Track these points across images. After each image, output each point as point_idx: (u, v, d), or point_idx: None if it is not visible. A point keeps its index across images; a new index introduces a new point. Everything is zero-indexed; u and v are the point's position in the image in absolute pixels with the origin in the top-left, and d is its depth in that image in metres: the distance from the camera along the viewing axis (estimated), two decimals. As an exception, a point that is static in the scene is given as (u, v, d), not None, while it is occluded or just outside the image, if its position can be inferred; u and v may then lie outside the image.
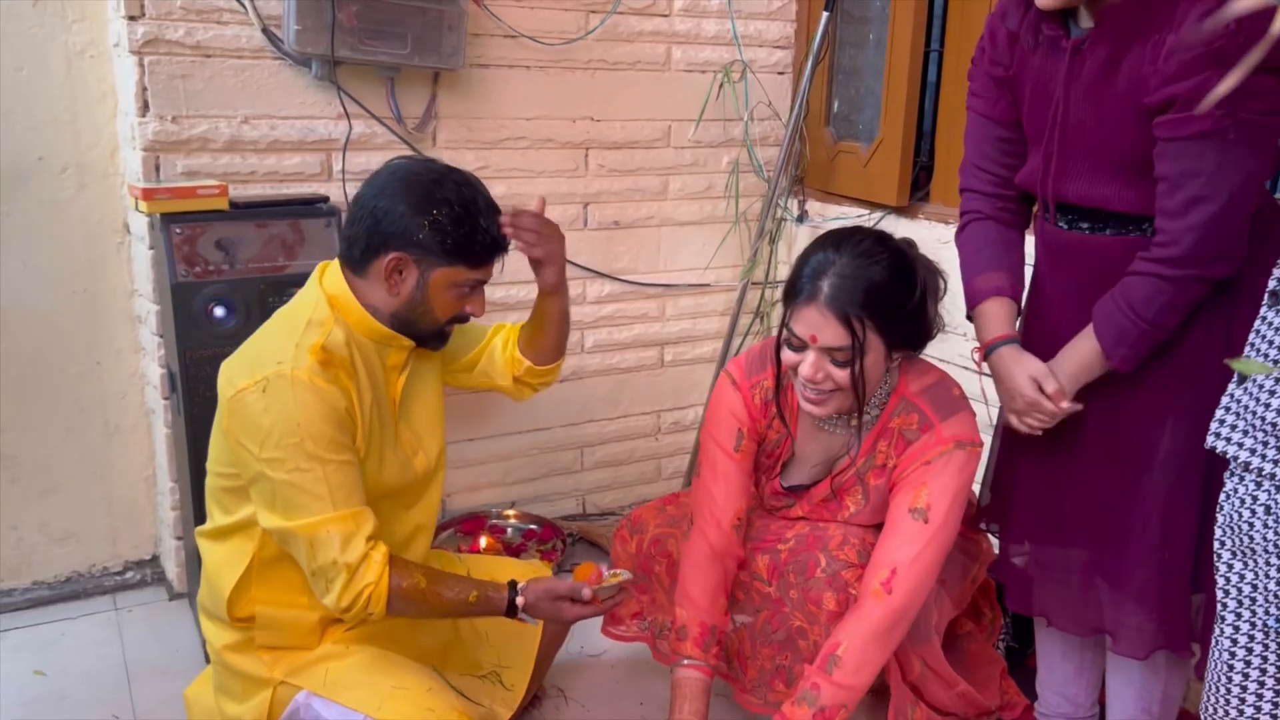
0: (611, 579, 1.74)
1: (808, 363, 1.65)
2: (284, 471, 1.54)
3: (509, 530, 2.78)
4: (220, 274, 2.14)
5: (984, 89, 1.73)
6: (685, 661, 1.84)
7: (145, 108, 2.22)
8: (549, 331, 1.96)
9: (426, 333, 1.73)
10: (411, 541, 1.83)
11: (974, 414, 1.78)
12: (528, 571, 1.98)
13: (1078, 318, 1.64)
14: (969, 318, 1.79)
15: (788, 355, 1.69)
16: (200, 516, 1.86)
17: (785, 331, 1.69)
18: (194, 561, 2.17)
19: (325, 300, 1.66)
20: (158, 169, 2.26)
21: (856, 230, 1.72)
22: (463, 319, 1.75)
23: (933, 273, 1.72)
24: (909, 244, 1.72)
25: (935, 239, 2.52)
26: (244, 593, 1.69)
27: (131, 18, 2.17)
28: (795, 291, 1.66)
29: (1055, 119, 1.60)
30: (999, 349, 1.70)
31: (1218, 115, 1.39)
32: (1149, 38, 1.46)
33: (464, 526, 2.74)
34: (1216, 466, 1.58)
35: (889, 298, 1.62)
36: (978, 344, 1.75)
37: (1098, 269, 1.60)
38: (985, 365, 1.74)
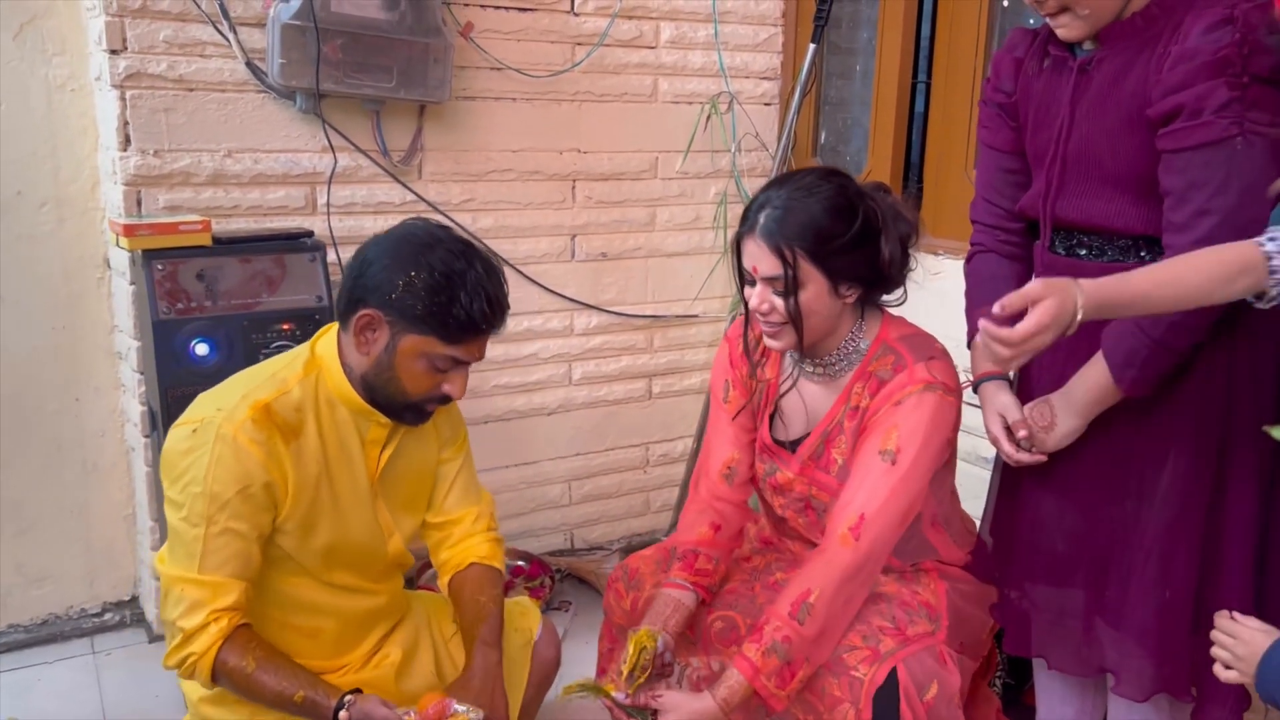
0: (454, 718, 1.54)
1: (755, 294, 1.68)
2: (177, 516, 1.55)
3: (496, 567, 2.73)
4: (202, 310, 2.11)
5: (989, 119, 1.75)
6: (669, 581, 1.79)
7: (127, 142, 2.19)
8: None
9: (395, 404, 1.61)
10: (375, 617, 1.78)
11: (954, 366, 1.74)
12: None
13: (1070, 349, 1.62)
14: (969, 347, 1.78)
15: (746, 291, 1.72)
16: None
17: (740, 267, 1.71)
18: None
19: (307, 359, 1.63)
20: (139, 203, 2.22)
21: (809, 168, 1.74)
22: (441, 399, 1.62)
23: (895, 215, 1.69)
24: (878, 186, 1.72)
25: (925, 270, 2.50)
26: None
27: (113, 51, 2.14)
28: (741, 225, 1.70)
29: (1059, 137, 1.59)
30: (983, 385, 1.73)
31: (1223, 124, 1.39)
32: (1153, 50, 1.47)
33: (450, 563, 2.69)
34: (1218, 505, 1.57)
35: (823, 228, 1.63)
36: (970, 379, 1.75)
37: None
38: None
